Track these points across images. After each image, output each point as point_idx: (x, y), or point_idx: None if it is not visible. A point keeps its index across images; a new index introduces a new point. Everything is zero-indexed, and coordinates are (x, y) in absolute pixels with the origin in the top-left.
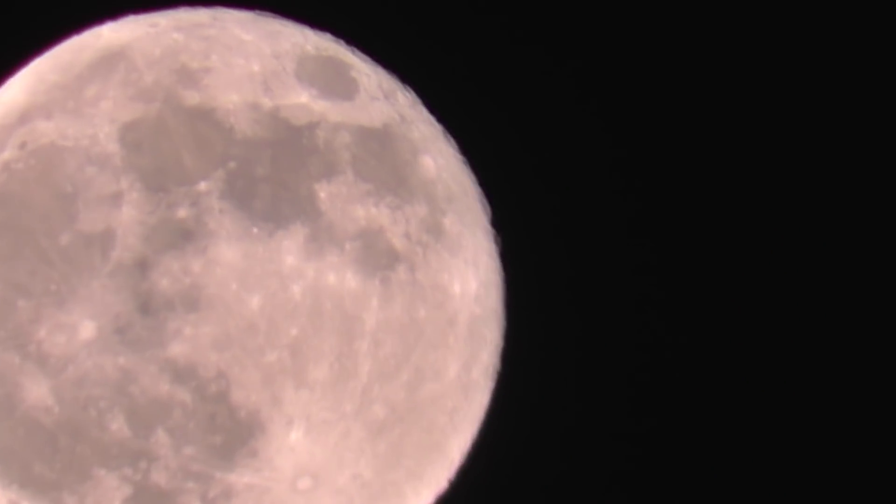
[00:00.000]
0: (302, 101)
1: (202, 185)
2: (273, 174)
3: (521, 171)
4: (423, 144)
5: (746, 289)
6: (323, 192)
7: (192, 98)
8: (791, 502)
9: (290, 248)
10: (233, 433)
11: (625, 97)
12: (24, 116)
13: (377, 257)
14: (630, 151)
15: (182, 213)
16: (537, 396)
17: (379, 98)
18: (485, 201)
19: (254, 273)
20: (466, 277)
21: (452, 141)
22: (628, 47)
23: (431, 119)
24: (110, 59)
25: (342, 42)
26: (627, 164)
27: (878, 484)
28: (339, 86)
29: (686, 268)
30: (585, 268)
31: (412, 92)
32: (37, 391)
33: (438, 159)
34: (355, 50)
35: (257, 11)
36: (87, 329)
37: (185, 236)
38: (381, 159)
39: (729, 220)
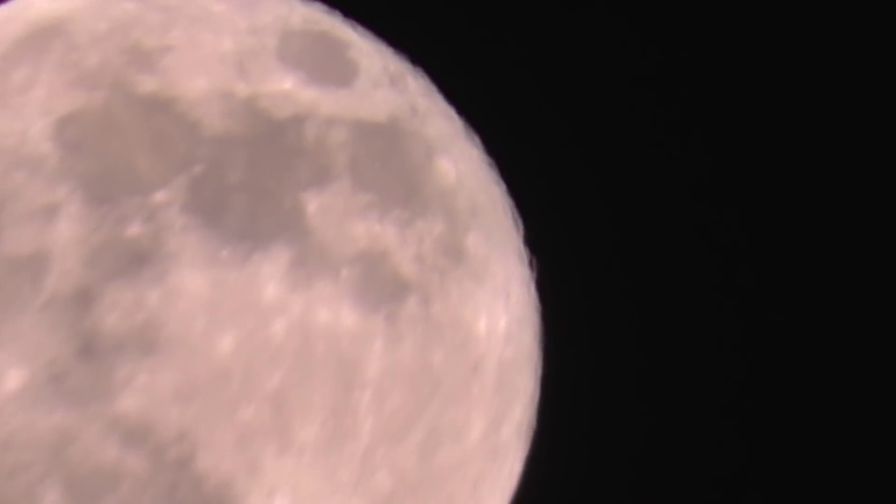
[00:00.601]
0: (286, 88)
1: (160, 195)
2: (249, 181)
3: (563, 178)
4: (440, 143)
5: (832, 322)
6: (312, 203)
7: (147, 84)
8: None
9: (270, 275)
10: None
11: (691, 83)
12: None
13: (381, 287)
14: (701, 154)
15: (134, 230)
16: (582, 462)
17: (384, 84)
18: (517, 216)
19: (225, 306)
20: (495, 312)
21: (477, 139)
22: (695, 23)
23: (450, 111)
24: (44, 35)
25: (337, 14)
26: (695, 173)
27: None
28: (333, 69)
29: (766, 301)
30: (642, 300)
31: (426, 77)
32: None
33: (459, 162)
34: (354, 24)
35: None
36: (14, 378)
37: (138, 260)
38: (386, 162)
39: (812, 234)
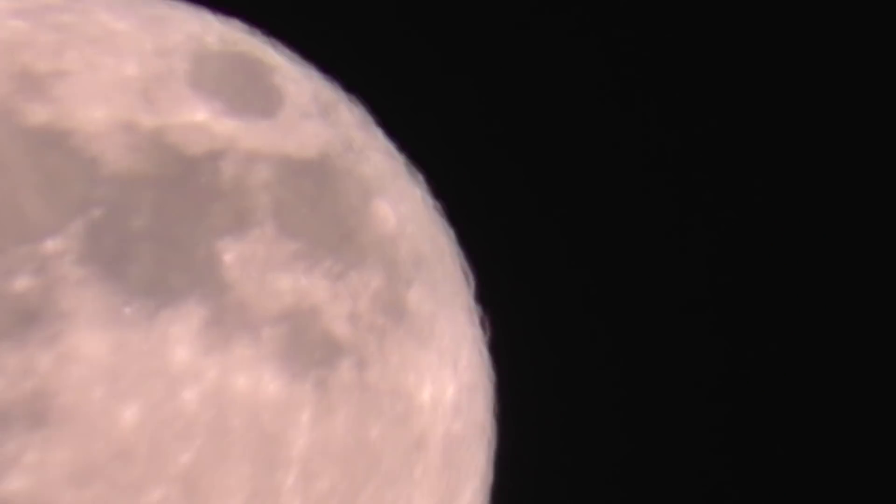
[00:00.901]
0: (199, 119)
1: (52, 244)
2: (156, 227)
3: (519, 224)
4: (378, 183)
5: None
6: (230, 253)
7: (37, 115)
8: None
9: (180, 337)
10: None
11: (649, 115)
12: None
13: (310, 350)
14: (667, 198)
15: (22, 284)
16: None
17: (313, 115)
18: (468, 267)
19: (128, 373)
20: (441, 379)
21: (421, 178)
22: (655, 44)
23: (390, 146)
24: None
25: (259, 33)
26: (661, 217)
27: None
28: (254, 97)
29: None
30: (609, 365)
31: (362, 106)
32: None
33: (400, 205)
34: (278, 44)
35: None
36: None
37: (26, 318)
38: (315, 205)
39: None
